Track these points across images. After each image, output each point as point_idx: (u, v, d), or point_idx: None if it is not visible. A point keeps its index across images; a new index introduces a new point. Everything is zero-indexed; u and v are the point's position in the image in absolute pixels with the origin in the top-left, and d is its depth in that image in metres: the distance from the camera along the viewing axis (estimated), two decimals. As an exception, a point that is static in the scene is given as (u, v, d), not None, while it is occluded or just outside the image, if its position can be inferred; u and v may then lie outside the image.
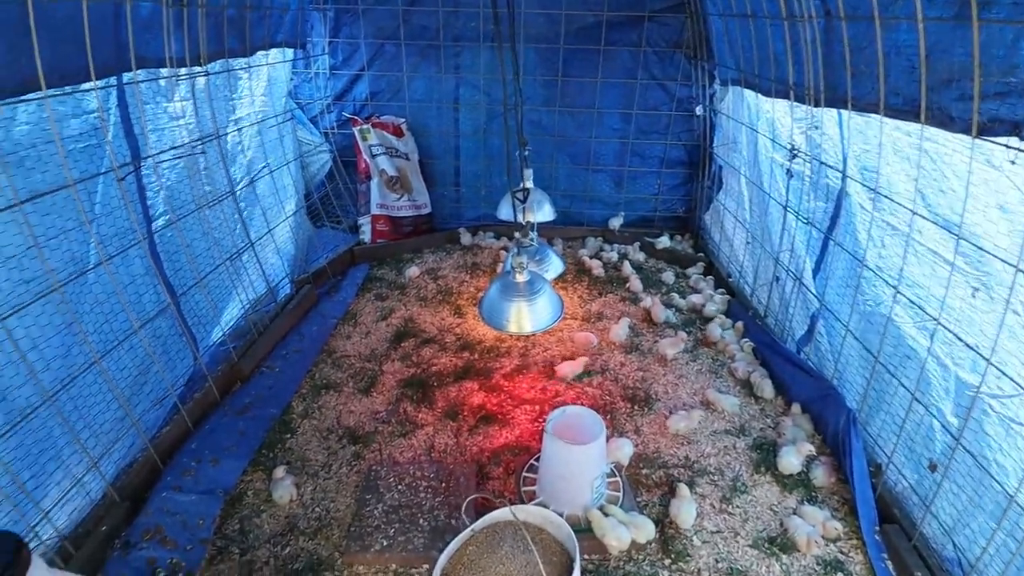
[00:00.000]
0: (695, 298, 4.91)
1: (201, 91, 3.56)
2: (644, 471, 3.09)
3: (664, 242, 5.89)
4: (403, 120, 5.79)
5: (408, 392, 3.68)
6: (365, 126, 5.59)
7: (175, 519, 2.54)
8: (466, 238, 6.11)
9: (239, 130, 4.10)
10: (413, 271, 5.36)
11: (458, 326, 4.52)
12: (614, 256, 5.83)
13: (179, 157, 3.40)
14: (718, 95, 5.37)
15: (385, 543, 2.46)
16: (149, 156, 3.12)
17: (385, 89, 5.76)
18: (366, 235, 5.80)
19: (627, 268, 5.49)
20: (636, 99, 5.72)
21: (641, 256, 5.89)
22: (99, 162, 2.79)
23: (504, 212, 4.24)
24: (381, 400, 3.62)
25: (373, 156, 5.68)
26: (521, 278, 2.87)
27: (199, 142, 3.53)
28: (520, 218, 3.27)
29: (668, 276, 5.41)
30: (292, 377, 3.77)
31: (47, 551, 2.24)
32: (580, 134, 5.92)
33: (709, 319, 4.58)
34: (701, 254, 5.77)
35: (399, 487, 2.77)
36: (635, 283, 5.22)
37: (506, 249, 5.97)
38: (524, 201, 3.62)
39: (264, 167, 4.40)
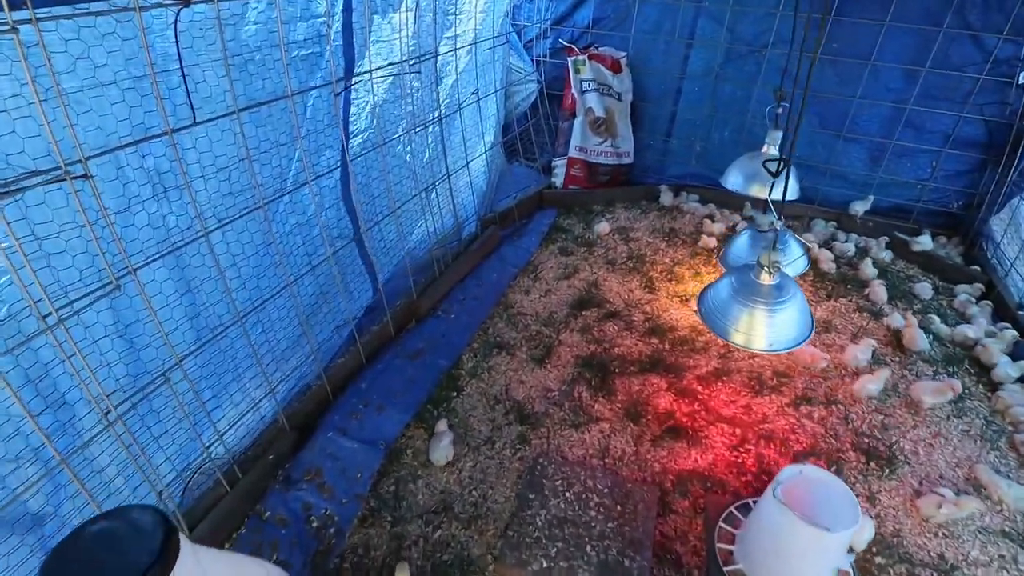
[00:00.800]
0: (966, 330, 3.72)
1: (426, 1, 3.23)
2: (879, 560, 2.34)
3: (924, 243, 4.59)
4: (624, 54, 5.07)
5: (586, 373, 3.25)
6: (581, 57, 4.98)
7: (336, 464, 2.44)
8: (666, 197, 5.36)
9: (454, 50, 3.76)
10: (603, 227, 4.81)
11: (648, 303, 3.94)
12: (850, 249, 4.70)
13: (394, 75, 3.14)
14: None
15: (545, 564, 2.11)
16: (370, 70, 2.89)
17: (610, 16, 5.05)
18: (558, 178, 5.33)
19: (867, 268, 4.38)
20: (933, 53, 4.33)
21: (887, 256, 4.67)
22: (316, 72, 2.60)
23: (734, 181, 3.50)
24: (555, 376, 3.24)
25: (583, 92, 5.09)
26: (767, 280, 2.21)
27: (416, 60, 3.24)
28: (767, 196, 2.53)
29: (923, 289, 4.21)
30: (467, 326, 3.54)
31: (216, 471, 2.24)
32: (840, 90, 4.71)
33: (987, 366, 3.43)
34: (976, 268, 4.40)
35: (567, 494, 2.39)
36: (877, 291, 4.13)
37: (711, 218, 5.13)
38: (776, 175, 2.86)
39: (473, 94, 4.06)
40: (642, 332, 3.65)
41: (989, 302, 4.05)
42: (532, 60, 5.27)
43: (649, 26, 4.99)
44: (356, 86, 2.94)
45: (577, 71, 5.04)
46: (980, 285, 4.22)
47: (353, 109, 3.01)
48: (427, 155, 3.67)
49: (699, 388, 3.19)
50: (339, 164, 2.87)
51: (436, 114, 3.62)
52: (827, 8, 4.43)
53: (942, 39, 4.28)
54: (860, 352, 3.38)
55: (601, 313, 3.80)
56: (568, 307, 3.85)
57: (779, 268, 2.24)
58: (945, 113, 4.52)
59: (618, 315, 3.79)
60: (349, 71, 2.86)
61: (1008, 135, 4.39)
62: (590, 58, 4.97)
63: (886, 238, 4.79)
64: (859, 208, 4.94)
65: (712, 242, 4.67)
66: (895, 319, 3.82)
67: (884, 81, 4.58)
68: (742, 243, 3.22)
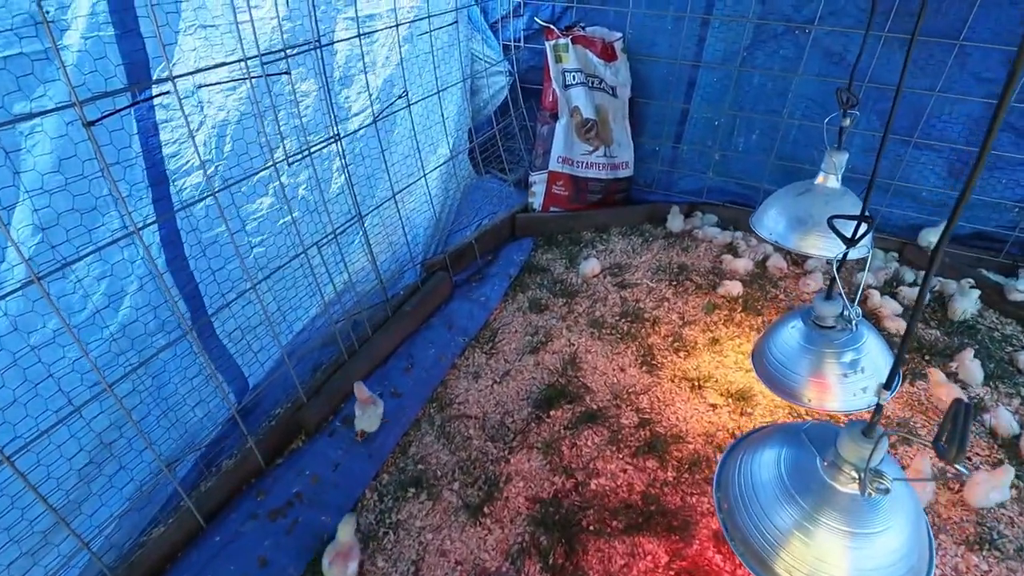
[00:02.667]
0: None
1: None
2: None
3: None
4: (619, 36, 3.85)
5: (542, 538, 2.14)
6: (562, 40, 3.77)
7: None
8: (676, 221, 4.16)
9: (364, 35, 2.60)
10: (591, 266, 3.66)
11: (645, 392, 2.81)
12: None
13: (242, 78, 2.01)
14: None
15: None
16: (191, 72, 1.76)
17: (605, -15, 3.83)
18: (537, 198, 4.16)
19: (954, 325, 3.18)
20: (1053, 27, 3.07)
21: (973, 305, 3.46)
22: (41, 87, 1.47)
23: (772, 226, 2.41)
24: (496, 541, 2.13)
25: (566, 86, 3.89)
26: (851, 488, 1.09)
27: (283, 53, 2.10)
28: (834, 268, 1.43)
29: (1033, 362, 3.02)
30: (376, 446, 2.44)
31: None
32: (912, 82, 3.46)
33: None
34: (1104, 329, 3.19)
35: None
36: (968, 367, 2.94)
37: (734, 250, 3.94)
38: (852, 242, 1.73)
39: (401, 97, 2.89)
40: (635, 447, 2.52)
41: None
42: (501, 45, 4.06)
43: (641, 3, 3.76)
44: (163, 101, 1.81)
45: (558, 59, 3.84)
46: (1117, 359, 3.01)
47: (168, 135, 1.89)
48: (333, 188, 2.55)
49: (719, 560, 2.06)
50: (151, 220, 1.77)
51: (334, 131, 2.47)
52: (902, -33, 3.18)
53: (1066, 8, 3.01)
54: (995, 488, 2.22)
55: (576, 413, 2.67)
56: (531, 403, 2.73)
57: (881, 482, 1.14)
58: (1063, 112, 3.27)
59: (601, 416, 2.66)
60: (140, 77, 1.73)
61: None
62: (574, 41, 3.77)
63: (970, 281, 3.56)
64: (932, 239, 3.71)
65: (736, 288, 3.50)
66: (1003, 417, 2.64)
67: (974, 69, 3.33)
68: (789, 341, 2.04)
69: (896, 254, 3.93)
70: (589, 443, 2.54)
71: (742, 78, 3.82)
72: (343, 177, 2.57)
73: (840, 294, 1.68)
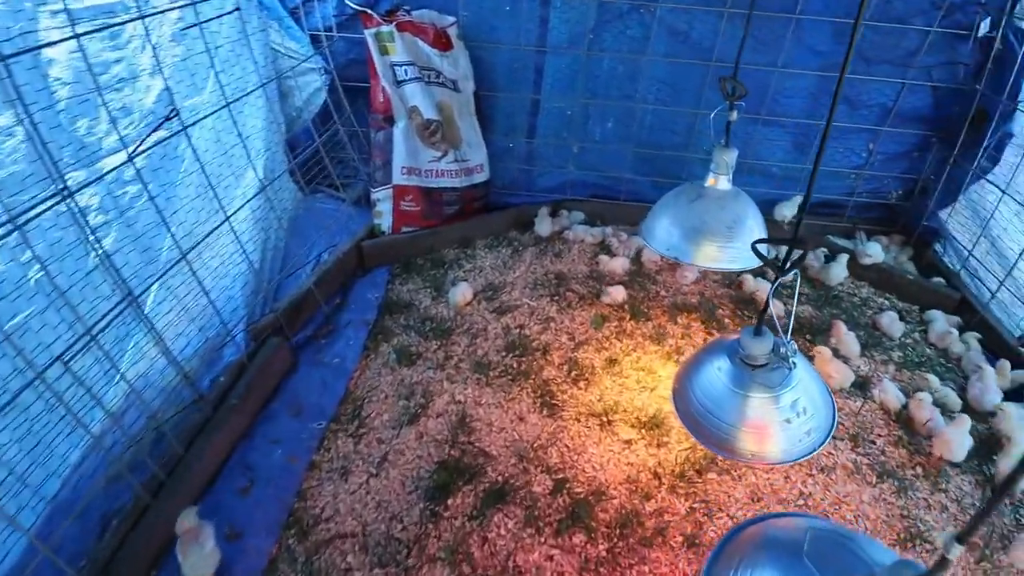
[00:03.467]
0: (976, 391, 2.67)
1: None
2: None
3: (874, 253, 3.50)
4: (452, 21, 3.30)
5: None
6: (385, 27, 3.13)
7: None
8: (543, 224, 3.79)
9: (87, 35, 1.76)
10: (462, 293, 3.13)
11: (553, 443, 2.38)
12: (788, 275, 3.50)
13: None
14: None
15: None
16: None
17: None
18: (384, 219, 3.50)
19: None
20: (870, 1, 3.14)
21: (843, 272, 3.54)
22: None
23: (664, 238, 2.13)
24: None
25: (398, 83, 3.26)
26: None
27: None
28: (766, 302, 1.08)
29: (890, 323, 3.13)
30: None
31: None
32: (754, 58, 3.39)
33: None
34: (940, 280, 3.43)
35: None
36: (846, 339, 2.95)
37: (607, 249, 3.68)
38: (784, 268, 1.35)
39: (168, 120, 2.07)
40: (556, 522, 2.08)
41: (976, 334, 3.05)
42: (308, 35, 3.30)
43: (484, -24, 3.25)
44: None
45: (383, 51, 3.19)
46: (958, 308, 3.22)
47: None
48: (88, 263, 1.70)
49: (683, 665, 1.70)
50: None
51: (62, 184, 1.62)
52: (739, -63, 3.02)
53: (881, -22, 3.07)
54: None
55: (480, 494, 2.16)
56: (421, 495, 2.15)
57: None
58: (885, 80, 3.40)
59: (510, 489, 2.18)
60: None
61: (959, 104, 3.38)
62: (400, 28, 3.14)
63: (824, 251, 3.66)
64: (787, 212, 3.74)
65: (619, 294, 3.21)
66: (889, 391, 2.65)
67: (809, 42, 3.33)
68: (715, 384, 1.68)
69: (755, 230, 3.93)
70: (503, 531, 2.05)
71: (591, 63, 3.49)
72: (96, 249, 1.73)
73: (776, 326, 1.35)
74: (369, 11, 3.12)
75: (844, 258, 3.50)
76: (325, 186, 3.74)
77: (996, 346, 2.98)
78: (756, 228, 2.03)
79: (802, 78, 3.44)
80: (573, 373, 2.73)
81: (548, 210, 3.84)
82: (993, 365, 2.78)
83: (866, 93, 3.45)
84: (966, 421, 2.39)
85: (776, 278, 1.34)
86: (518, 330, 2.97)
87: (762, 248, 1.45)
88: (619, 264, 3.48)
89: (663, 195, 2.21)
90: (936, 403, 2.62)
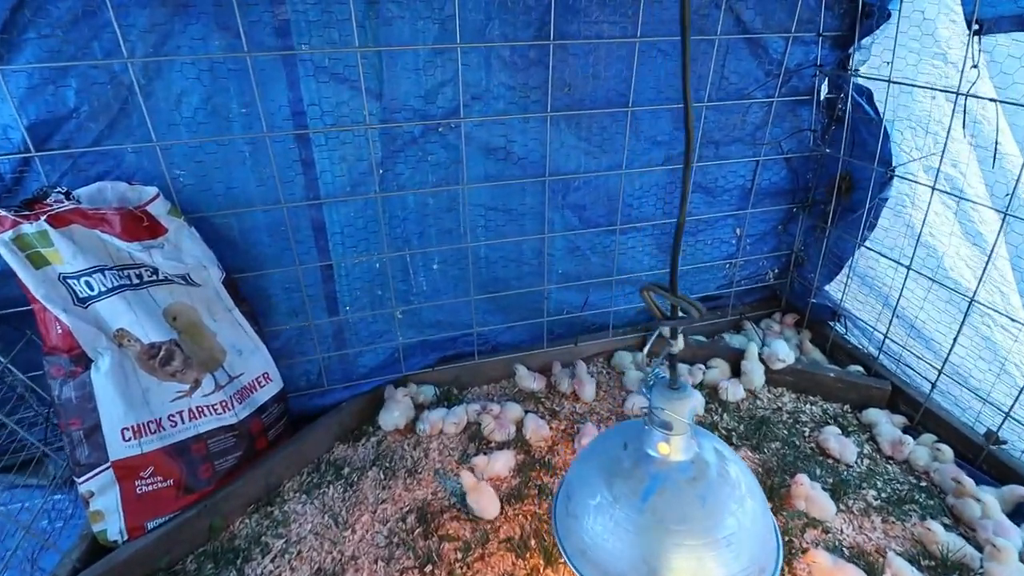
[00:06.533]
0: (989, 533, 2.06)
1: None
2: None
3: (785, 354, 2.92)
4: (153, 193, 2.09)
5: None
6: (28, 227, 1.85)
7: None
8: (390, 415, 2.67)
9: None
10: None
11: None
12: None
13: None
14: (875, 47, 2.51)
15: None
16: None
17: (79, 109, 1.98)
18: (110, 521, 2.07)
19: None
20: (709, 78, 2.62)
21: (760, 379, 2.90)
22: None
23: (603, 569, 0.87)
24: None
25: (81, 302, 1.97)
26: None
27: None
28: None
29: (840, 445, 2.52)
30: None
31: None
32: (592, 163, 2.70)
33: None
34: (858, 368, 2.93)
35: None
36: (817, 498, 2.23)
37: (479, 440, 2.65)
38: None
39: None
40: None
41: (931, 436, 2.53)
42: None
43: (200, 114, 2.12)
44: None
45: (38, 261, 1.89)
46: (900, 417, 2.70)
47: None
48: None
49: None
50: None
51: None
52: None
53: (716, 54, 2.57)
54: None
55: None
56: None
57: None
58: (738, 160, 2.91)
59: None
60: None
61: (812, 171, 3.01)
62: (56, 223, 1.88)
63: (723, 362, 3.02)
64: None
65: (512, 527, 2.17)
66: (904, 571, 1.92)
67: (647, 132, 2.73)
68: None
69: (636, 350, 3.21)
70: None
71: (390, 204, 2.52)
72: None
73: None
74: (-11, 207, 1.81)
75: (753, 351, 2.90)
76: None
77: (960, 446, 2.46)
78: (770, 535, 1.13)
79: (650, 175, 2.82)
80: None
81: (399, 392, 2.74)
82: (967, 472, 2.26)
83: (722, 177, 2.93)
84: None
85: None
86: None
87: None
88: (502, 462, 2.46)
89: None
90: (954, 567, 1.95)
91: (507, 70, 2.37)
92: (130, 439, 2.08)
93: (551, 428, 2.70)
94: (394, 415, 2.67)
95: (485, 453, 2.53)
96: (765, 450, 2.56)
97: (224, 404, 2.28)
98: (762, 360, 2.94)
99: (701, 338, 3.25)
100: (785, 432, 2.67)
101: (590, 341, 3.13)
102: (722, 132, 2.79)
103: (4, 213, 1.82)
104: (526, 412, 2.75)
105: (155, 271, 2.11)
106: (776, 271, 3.36)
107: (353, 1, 2.03)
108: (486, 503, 2.24)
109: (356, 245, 2.56)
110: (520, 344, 3.11)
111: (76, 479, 2.04)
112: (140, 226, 2.00)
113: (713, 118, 2.73)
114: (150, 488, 2.13)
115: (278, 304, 2.58)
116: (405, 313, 2.80)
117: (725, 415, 2.77)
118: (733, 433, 2.66)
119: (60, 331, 1.98)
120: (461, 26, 2.18)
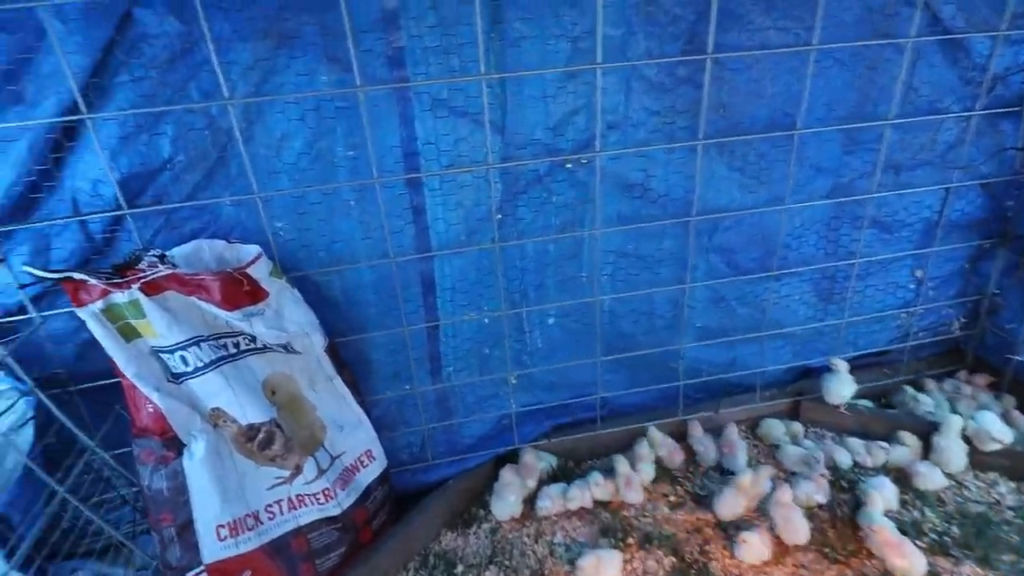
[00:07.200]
0: None
1: None
2: None
3: (1000, 432, 2.29)
4: (255, 253, 1.82)
5: None
6: (119, 296, 1.61)
7: None
8: (504, 504, 2.30)
9: None
10: None
11: None
12: (857, 483, 2.20)
13: None
14: None
15: None
16: None
17: (173, 159, 1.76)
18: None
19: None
20: (897, 89, 2.12)
21: (935, 471, 2.29)
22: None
23: None
24: None
25: (176, 377, 1.71)
26: None
27: None
28: None
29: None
30: None
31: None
32: (747, 198, 2.23)
33: None
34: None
35: None
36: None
37: (611, 532, 2.20)
38: None
39: None
40: None
41: None
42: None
43: (304, 160, 1.85)
44: None
45: (128, 333, 1.65)
46: None
47: None
48: None
49: None
50: None
51: None
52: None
53: (907, 59, 2.08)
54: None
55: None
56: None
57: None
58: (921, 189, 2.36)
59: None
60: None
61: (1014, 198, 2.41)
62: (149, 291, 1.64)
63: (912, 438, 2.42)
64: (844, 391, 2.51)
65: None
66: None
67: (813, 159, 2.24)
68: None
69: (786, 418, 2.67)
70: None
71: (507, 253, 2.17)
72: None
73: None
74: (75, 275, 1.58)
75: (954, 426, 2.30)
76: (81, 558, 1.99)
77: None
78: None
79: (811, 210, 2.33)
80: None
81: (511, 472, 2.34)
82: None
83: (903, 209, 2.40)
84: None
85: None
86: None
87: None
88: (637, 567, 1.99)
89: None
90: None
91: (651, 92, 1.98)
92: (226, 537, 1.78)
93: (695, 517, 2.21)
94: (509, 502, 2.27)
95: (620, 547, 2.07)
96: (998, 565, 1.95)
97: (327, 492, 1.95)
98: (965, 438, 2.33)
99: (866, 403, 2.68)
100: (1017, 538, 2.05)
101: (732, 407, 2.63)
102: (906, 154, 2.27)
103: (94, 282, 1.58)
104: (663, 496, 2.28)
105: (253, 338, 1.84)
106: (962, 320, 2.75)
107: (479, 22, 1.70)
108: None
109: (468, 302, 2.22)
110: (647, 408, 2.66)
111: (188, 572, 1.76)
112: (240, 291, 1.73)
113: (896, 137, 2.22)
114: (246, 594, 1.82)
115: (379, 369, 2.26)
116: (519, 377, 2.41)
117: (926, 510, 2.18)
118: (946, 538, 2.07)
119: (151, 411, 1.72)
120: (599, 43, 1.82)
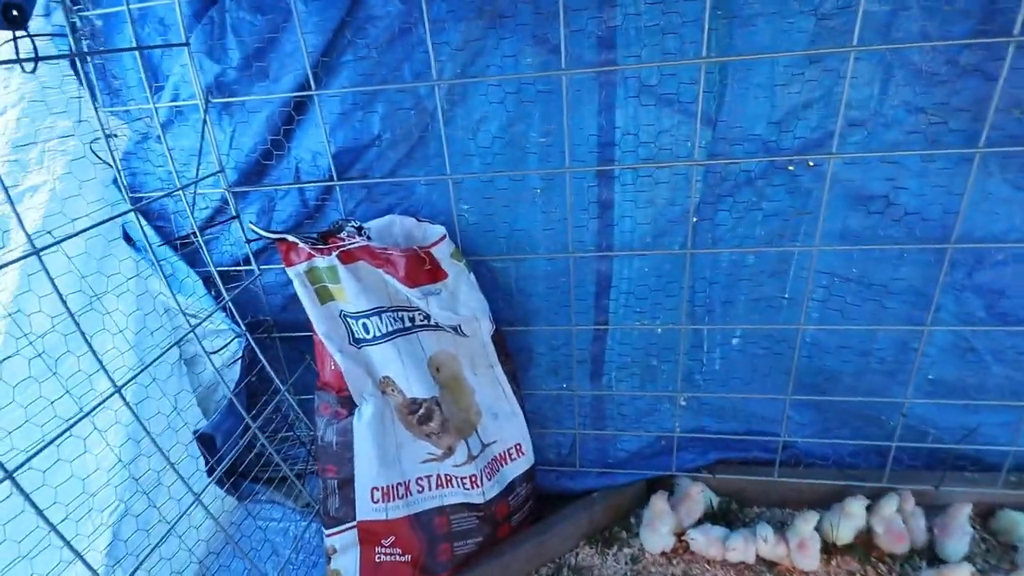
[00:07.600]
0: None
1: None
2: None
3: None
4: (440, 234, 1.84)
5: None
6: (321, 261, 1.73)
7: None
8: (656, 536, 2.09)
9: None
10: None
11: None
12: None
13: None
14: None
15: None
16: None
17: (381, 136, 1.84)
18: (347, 579, 1.89)
19: None
20: None
21: None
22: None
23: None
24: None
25: (356, 343, 1.81)
26: None
27: None
28: None
29: None
30: None
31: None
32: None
33: None
34: None
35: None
36: None
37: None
38: None
39: None
40: None
41: None
42: (203, 281, 1.95)
43: (496, 143, 1.82)
44: None
45: (324, 297, 1.78)
46: None
47: None
48: None
49: None
50: None
51: None
52: None
53: None
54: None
55: None
56: None
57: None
58: None
59: None
60: None
61: None
62: (346, 260, 1.74)
63: None
64: None
65: None
66: None
67: None
68: None
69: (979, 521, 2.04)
70: None
71: (696, 261, 1.93)
72: None
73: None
74: (289, 237, 1.73)
75: None
76: (267, 488, 2.25)
77: None
78: None
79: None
80: None
81: (662, 501, 2.13)
82: None
83: None
84: None
85: None
86: None
87: None
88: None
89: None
90: None
91: (916, 83, 1.59)
92: (379, 500, 1.86)
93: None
94: (662, 533, 2.06)
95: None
96: None
97: (473, 479, 1.94)
98: None
99: None
100: None
101: (959, 486, 2.09)
102: None
103: (302, 245, 1.72)
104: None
105: (426, 318, 1.87)
106: None
107: (706, -4, 1.49)
108: None
109: (643, 309, 2.03)
110: (842, 464, 2.23)
111: (324, 530, 1.89)
112: (422, 269, 1.76)
113: None
114: (388, 559, 1.89)
115: (539, 363, 2.18)
116: (689, 400, 2.17)
117: None
118: None
119: (333, 369, 1.85)
120: (858, 20, 1.48)
